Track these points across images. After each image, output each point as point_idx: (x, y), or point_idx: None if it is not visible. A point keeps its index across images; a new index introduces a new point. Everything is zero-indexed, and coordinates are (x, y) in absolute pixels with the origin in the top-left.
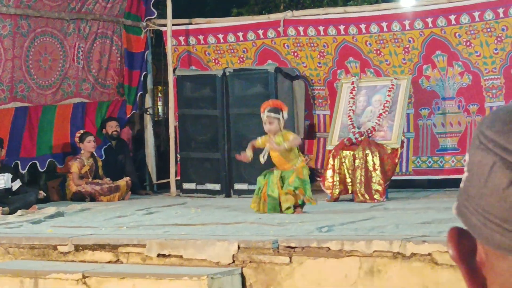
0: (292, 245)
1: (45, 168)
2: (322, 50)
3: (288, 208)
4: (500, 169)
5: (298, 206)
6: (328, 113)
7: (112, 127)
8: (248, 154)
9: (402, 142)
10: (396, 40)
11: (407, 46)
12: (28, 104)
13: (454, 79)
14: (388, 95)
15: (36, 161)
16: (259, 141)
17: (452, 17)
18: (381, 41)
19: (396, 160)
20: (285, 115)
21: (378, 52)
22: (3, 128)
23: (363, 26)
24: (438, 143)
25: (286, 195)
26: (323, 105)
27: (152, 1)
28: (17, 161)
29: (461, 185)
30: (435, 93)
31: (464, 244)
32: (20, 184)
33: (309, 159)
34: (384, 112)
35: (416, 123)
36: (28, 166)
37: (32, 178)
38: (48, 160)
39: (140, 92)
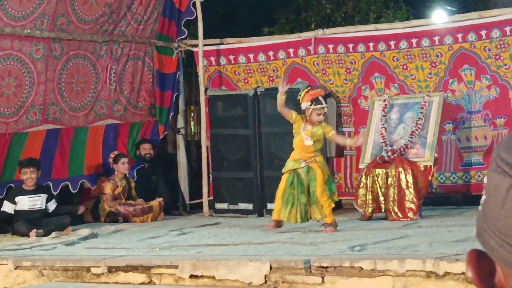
0: (324, 264)
1: (77, 190)
2: (349, 67)
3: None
4: None
5: (329, 225)
6: (353, 130)
7: (145, 149)
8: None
9: (435, 159)
10: (424, 55)
11: (435, 60)
12: (60, 126)
13: (481, 93)
14: (421, 112)
15: (68, 182)
16: (293, 115)
17: (483, 32)
18: (409, 56)
19: (430, 178)
20: None
21: (405, 67)
22: (35, 149)
23: (392, 43)
24: (462, 158)
25: (315, 205)
26: (348, 122)
27: (183, 22)
28: (48, 182)
29: (480, 207)
30: (460, 107)
31: (483, 266)
32: (56, 205)
33: (339, 178)
34: (416, 129)
35: (440, 138)
36: (60, 187)
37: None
38: (81, 182)
39: (172, 113)
